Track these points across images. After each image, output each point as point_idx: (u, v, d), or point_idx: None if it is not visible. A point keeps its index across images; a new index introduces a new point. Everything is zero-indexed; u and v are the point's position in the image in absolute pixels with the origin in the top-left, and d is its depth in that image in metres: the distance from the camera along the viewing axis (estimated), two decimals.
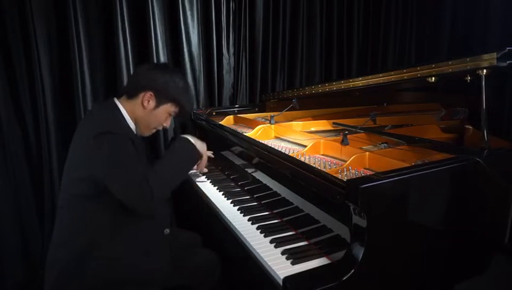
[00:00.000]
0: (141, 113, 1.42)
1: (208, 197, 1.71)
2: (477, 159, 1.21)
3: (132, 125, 1.44)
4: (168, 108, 1.45)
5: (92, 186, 1.25)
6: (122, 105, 1.42)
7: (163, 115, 1.46)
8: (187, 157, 1.43)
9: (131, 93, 1.42)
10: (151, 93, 1.40)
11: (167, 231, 1.45)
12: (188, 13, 2.42)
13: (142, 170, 1.26)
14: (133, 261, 1.32)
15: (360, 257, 0.99)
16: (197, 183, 1.89)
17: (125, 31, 2.24)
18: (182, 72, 1.54)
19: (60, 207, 1.36)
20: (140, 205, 1.24)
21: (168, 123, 1.50)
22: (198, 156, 1.46)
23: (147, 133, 1.50)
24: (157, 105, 1.42)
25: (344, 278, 0.97)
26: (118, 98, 1.45)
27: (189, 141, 1.44)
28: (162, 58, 2.38)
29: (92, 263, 1.27)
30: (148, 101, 1.40)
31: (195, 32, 2.46)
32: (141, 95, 1.40)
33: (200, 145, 1.48)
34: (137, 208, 1.24)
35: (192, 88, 2.53)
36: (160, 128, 1.51)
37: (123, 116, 1.41)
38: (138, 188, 1.20)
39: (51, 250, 1.33)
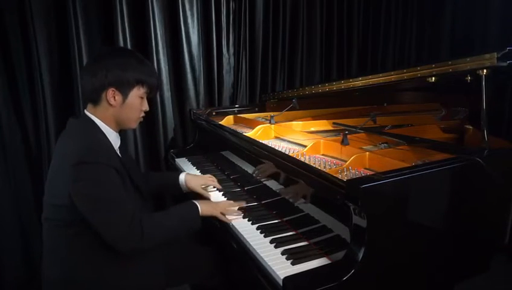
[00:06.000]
0: (114, 111, 1.32)
1: (207, 197, 1.71)
2: (477, 159, 1.21)
3: (112, 134, 1.35)
4: (137, 92, 1.33)
5: (72, 213, 1.19)
6: (94, 115, 1.32)
7: (136, 101, 1.34)
8: (189, 221, 1.38)
9: (94, 99, 1.31)
10: (112, 89, 1.28)
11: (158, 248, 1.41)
12: (188, 13, 2.42)
13: (133, 206, 1.22)
14: (127, 282, 1.30)
15: (360, 257, 0.99)
16: None
17: (125, 31, 2.24)
18: (123, 49, 1.40)
19: (43, 220, 1.31)
20: (125, 245, 1.20)
21: (146, 106, 1.39)
22: (198, 225, 1.38)
23: (134, 125, 1.41)
24: (125, 96, 1.31)
25: (344, 278, 0.97)
26: (86, 108, 1.35)
27: (197, 209, 1.39)
28: (162, 58, 2.38)
29: (85, 284, 1.25)
30: (114, 97, 1.29)
31: (195, 32, 2.47)
32: (103, 96, 1.29)
33: (212, 207, 1.44)
34: (121, 247, 1.20)
35: (192, 88, 2.53)
36: (143, 114, 1.41)
37: (101, 130, 1.31)
38: (127, 226, 1.17)
39: (43, 269, 1.31)
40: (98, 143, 1.27)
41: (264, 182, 1.61)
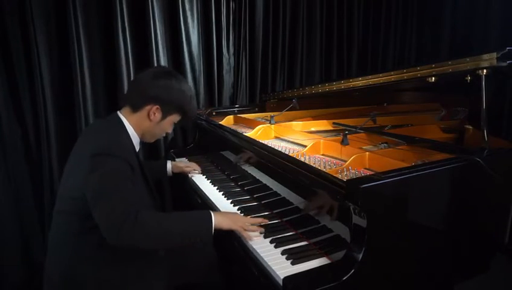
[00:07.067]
0: (147, 125, 1.40)
1: (207, 196, 1.71)
2: (477, 159, 1.21)
3: (136, 139, 1.40)
4: (174, 118, 1.44)
5: (84, 205, 1.19)
6: (127, 118, 1.38)
7: (168, 125, 1.45)
8: (198, 229, 1.25)
9: (136, 106, 1.38)
10: (157, 106, 1.36)
11: (162, 253, 1.41)
12: (188, 13, 2.42)
13: (136, 202, 1.19)
14: (128, 282, 1.30)
15: (360, 257, 0.99)
16: (196, 182, 1.89)
17: (125, 31, 2.24)
18: (183, 78, 1.46)
19: (56, 213, 1.32)
20: (116, 235, 1.12)
21: (171, 130, 1.50)
22: (209, 237, 1.25)
23: (152, 141, 1.51)
24: (164, 117, 1.40)
25: (344, 278, 0.97)
26: (120, 108, 1.41)
27: (210, 219, 1.25)
28: (162, 58, 2.38)
29: (86, 284, 1.25)
30: (155, 114, 1.37)
31: (195, 32, 2.47)
32: (147, 108, 1.36)
33: (231, 220, 1.30)
34: (112, 237, 1.13)
35: (192, 88, 2.52)
36: (164, 135, 1.51)
37: (127, 131, 1.37)
38: (120, 216, 1.11)
39: (46, 266, 1.31)
40: (120, 140, 1.31)
41: (264, 182, 1.61)
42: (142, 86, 1.37)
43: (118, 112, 1.40)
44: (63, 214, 1.29)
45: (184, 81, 1.47)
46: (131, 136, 1.38)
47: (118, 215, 1.14)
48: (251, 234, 1.29)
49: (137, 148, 1.43)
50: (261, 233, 1.30)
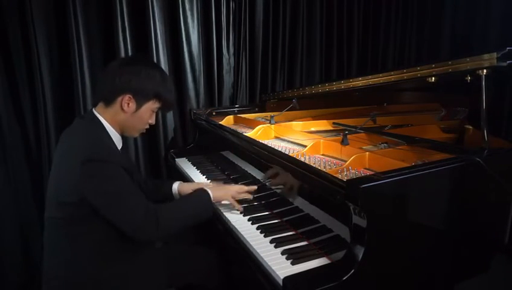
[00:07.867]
0: (123, 117, 1.33)
1: None
2: (477, 159, 1.21)
3: (115, 136, 1.36)
4: (151, 106, 1.35)
5: (78, 210, 1.20)
6: (102, 115, 1.33)
7: (146, 114, 1.36)
8: (202, 208, 1.42)
9: (108, 100, 1.32)
10: (129, 96, 1.30)
11: (159, 244, 1.44)
12: (188, 13, 2.42)
13: (144, 198, 1.26)
14: (128, 283, 1.30)
15: (360, 257, 0.99)
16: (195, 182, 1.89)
17: (125, 31, 2.24)
18: (154, 62, 1.43)
19: (46, 219, 1.31)
20: (143, 235, 1.25)
21: (153, 120, 1.41)
22: (209, 214, 1.43)
23: (136, 134, 1.44)
24: (139, 106, 1.33)
25: (344, 278, 0.97)
26: (95, 106, 1.36)
27: (209, 197, 1.45)
28: (162, 58, 2.38)
29: (85, 285, 1.25)
30: (128, 104, 1.30)
31: (195, 32, 2.47)
32: (119, 99, 1.30)
33: (223, 191, 1.51)
34: (140, 237, 1.26)
35: (192, 88, 2.53)
36: (147, 126, 1.43)
37: (105, 130, 1.33)
38: (143, 216, 1.22)
39: (44, 269, 1.31)
40: (104, 142, 1.29)
41: (264, 182, 1.61)
42: (110, 77, 1.31)
43: (93, 110, 1.35)
44: (55, 219, 1.28)
45: (154, 65, 1.42)
46: (111, 134, 1.34)
47: (139, 218, 1.22)
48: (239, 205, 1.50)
49: (119, 146, 1.38)
50: (243, 215, 1.47)
